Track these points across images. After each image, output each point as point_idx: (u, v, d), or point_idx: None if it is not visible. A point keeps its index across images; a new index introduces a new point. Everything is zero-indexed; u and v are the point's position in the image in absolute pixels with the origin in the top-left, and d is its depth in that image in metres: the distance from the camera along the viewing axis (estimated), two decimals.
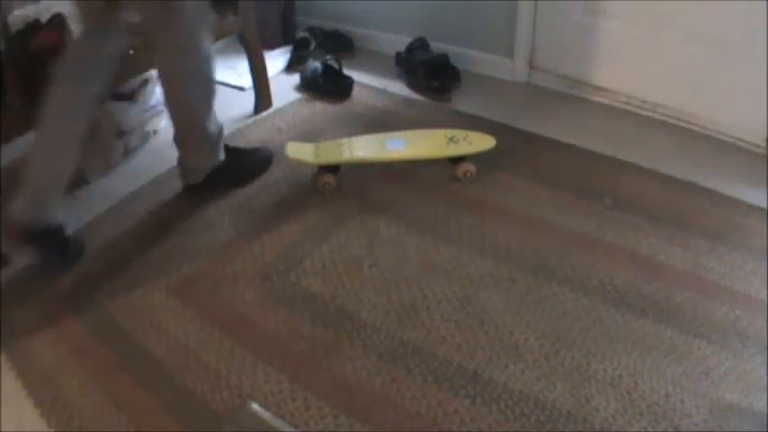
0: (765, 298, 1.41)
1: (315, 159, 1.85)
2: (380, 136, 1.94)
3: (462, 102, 2.32)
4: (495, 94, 2.36)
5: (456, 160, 1.87)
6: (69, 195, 1.93)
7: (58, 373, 1.36)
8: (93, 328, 1.47)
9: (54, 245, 1.59)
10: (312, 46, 2.70)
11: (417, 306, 1.46)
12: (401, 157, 1.87)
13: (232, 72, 2.67)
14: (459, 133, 1.91)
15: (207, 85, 1.74)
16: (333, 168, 1.87)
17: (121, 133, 2.10)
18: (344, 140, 1.94)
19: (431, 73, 2.36)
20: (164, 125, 2.30)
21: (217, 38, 2.23)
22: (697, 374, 1.25)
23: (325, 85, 2.42)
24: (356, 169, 1.92)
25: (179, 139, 1.82)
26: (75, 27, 1.84)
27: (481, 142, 1.88)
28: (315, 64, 2.49)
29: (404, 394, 1.25)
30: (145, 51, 1.77)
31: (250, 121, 2.31)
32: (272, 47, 2.74)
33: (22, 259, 1.58)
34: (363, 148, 1.91)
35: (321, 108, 2.32)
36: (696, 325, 1.36)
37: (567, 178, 1.86)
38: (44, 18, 1.72)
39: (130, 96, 2.14)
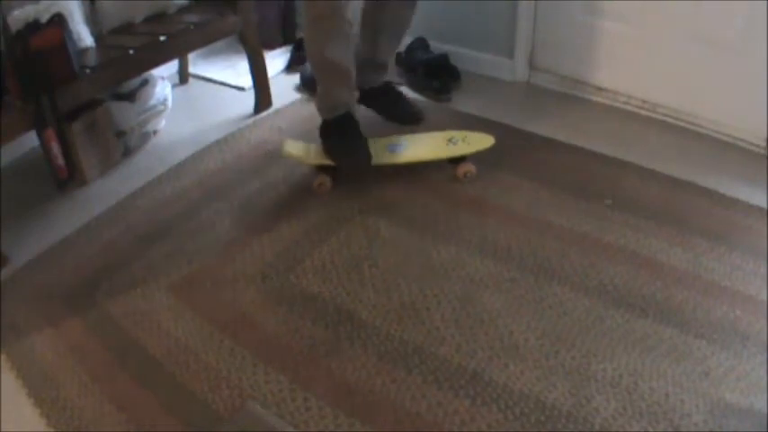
0: (765, 298, 1.41)
1: (309, 159, 1.85)
2: (380, 139, 1.94)
3: (462, 102, 2.32)
4: (495, 94, 2.36)
5: (456, 160, 1.87)
6: (68, 195, 1.95)
7: (57, 372, 1.36)
8: (93, 327, 1.47)
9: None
10: None
11: (417, 306, 1.46)
12: (401, 160, 1.87)
13: (232, 72, 2.67)
14: (457, 134, 1.91)
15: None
16: (328, 169, 1.87)
17: (121, 133, 2.10)
18: None
19: (431, 73, 2.36)
20: (164, 125, 2.30)
21: (217, 38, 2.24)
22: (697, 374, 1.25)
23: None
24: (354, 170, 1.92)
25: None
26: (73, 27, 1.84)
27: (479, 142, 1.88)
28: None
29: (404, 394, 1.25)
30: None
31: (250, 121, 2.31)
32: (272, 47, 2.74)
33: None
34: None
35: None
36: (696, 325, 1.36)
37: (567, 178, 1.86)
38: (44, 18, 1.72)
39: (130, 96, 2.14)
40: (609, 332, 1.36)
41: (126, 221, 1.82)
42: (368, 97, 2.05)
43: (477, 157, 1.86)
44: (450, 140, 1.89)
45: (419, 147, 1.92)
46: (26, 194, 1.98)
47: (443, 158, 1.88)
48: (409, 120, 2.06)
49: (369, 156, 1.82)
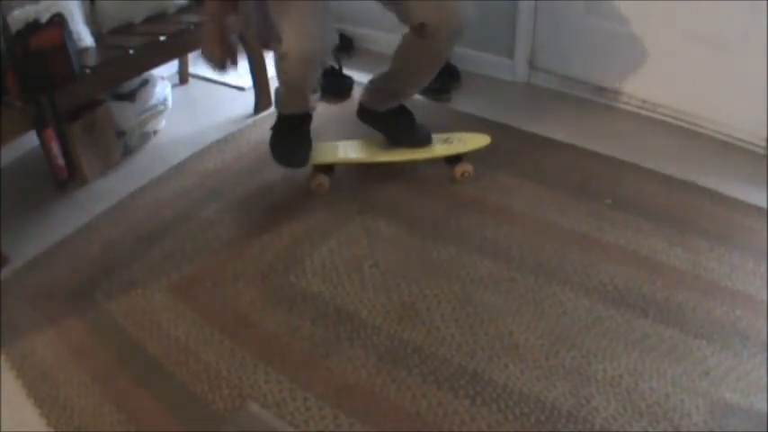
0: (765, 298, 1.41)
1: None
2: (376, 138, 1.94)
3: (462, 102, 2.32)
4: (495, 94, 2.36)
5: (452, 161, 1.87)
6: (68, 195, 1.95)
7: (57, 372, 1.36)
8: (93, 328, 1.47)
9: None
10: None
11: (417, 306, 1.46)
12: (395, 158, 1.87)
13: (232, 72, 2.66)
14: (453, 135, 1.91)
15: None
16: (327, 169, 1.87)
17: (121, 133, 2.10)
18: (340, 143, 1.95)
19: None
20: (164, 125, 2.30)
21: None
22: (697, 374, 1.25)
23: (325, 85, 2.41)
24: (356, 169, 1.92)
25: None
26: (73, 27, 1.84)
27: (475, 141, 1.88)
28: None
29: (404, 394, 1.25)
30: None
31: (250, 121, 2.31)
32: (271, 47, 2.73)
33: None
34: (358, 149, 1.92)
35: (321, 108, 2.31)
36: (696, 325, 1.36)
37: (567, 178, 1.86)
38: (44, 18, 1.72)
39: (130, 96, 2.14)
40: (609, 332, 1.36)
41: (126, 221, 1.82)
42: (375, 119, 1.91)
43: (477, 158, 1.86)
44: (445, 141, 1.89)
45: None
46: (26, 194, 1.98)
47: (439, 157, 1.87)
48: (414, 145, 1.88)
49: (303, 161, 1.80)
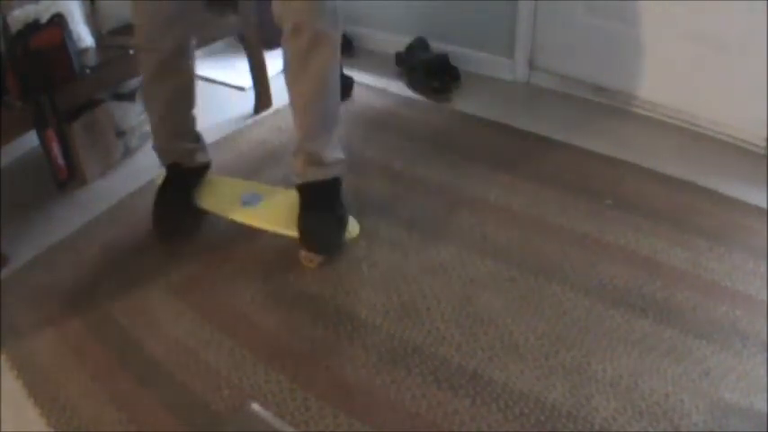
0: (765, 298, 1.41)
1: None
2: (241, 184, 1.75)
3: (462, 102, 2.32)
4: (495, 94, 2.36)
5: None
6: (68, 195, 1.95)
7: (57, 373, 1.36)
8: (94, 328, 1.47)
9: None
10: None
11: (417, 306, 1.46)
12: (248, 220, 1.66)
13: (232, 72, 2.67)
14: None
15: None
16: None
17: (121, 133, 2.10)
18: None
19: (431, 73, 2.36)
20: None
21: (217, 38, 2.24)
22: (697, 374, 1.25)
23: None
24: (354, 169, 1.92)
25: None
26: (73, 27, 1.84)
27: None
28: None
29: (404, 394, 1.25)
30: None
31: (250, 121, 2.31)
32: (272, 47, 2.73)
33: None
34: (215, 194, 1.73)
35: None
36: (696, 325, 1.36)
37: (567, 178, 1.86)
38: (44, 18, 1.72)
39: (130, 96, 2.14)
40: (609, 332, 1.36)
41: (126, 221, 1.82)
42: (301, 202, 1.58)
43: (475, 157, 1.86)
44: None
45: (277, 209, 1.67)
46: (26, 194, 1.98)
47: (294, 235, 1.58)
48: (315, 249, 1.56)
49: (172, 233, 1.61)
